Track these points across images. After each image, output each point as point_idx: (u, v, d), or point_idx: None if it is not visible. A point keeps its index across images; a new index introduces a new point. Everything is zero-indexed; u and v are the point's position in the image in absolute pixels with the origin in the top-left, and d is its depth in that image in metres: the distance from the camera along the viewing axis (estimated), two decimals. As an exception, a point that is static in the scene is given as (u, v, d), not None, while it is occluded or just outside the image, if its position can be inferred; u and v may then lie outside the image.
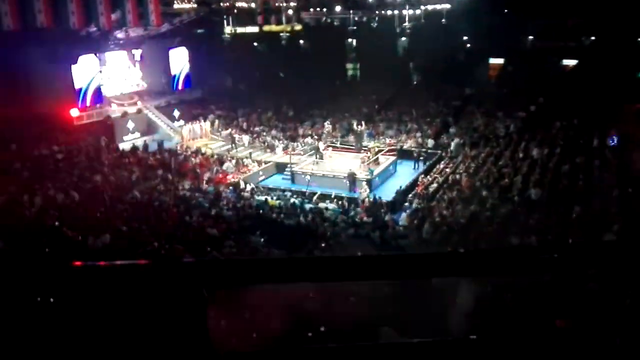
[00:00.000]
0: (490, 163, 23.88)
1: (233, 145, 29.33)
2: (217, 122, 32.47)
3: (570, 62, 39.77)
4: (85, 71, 28.99)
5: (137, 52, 32.42)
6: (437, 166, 25.42)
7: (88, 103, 29.00)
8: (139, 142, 28.46)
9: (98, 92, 29.55)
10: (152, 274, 1.55)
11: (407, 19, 52.29)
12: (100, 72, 29.79)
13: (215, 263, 1.59)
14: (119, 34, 32.10)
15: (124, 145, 28.01)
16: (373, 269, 1.59)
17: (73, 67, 28.32)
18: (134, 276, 1.56)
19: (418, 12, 54.30)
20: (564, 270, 1.59)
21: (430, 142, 28.28)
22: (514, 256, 1.61)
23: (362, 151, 27.12)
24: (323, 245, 16.49)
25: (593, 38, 42.67)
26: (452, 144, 27.35)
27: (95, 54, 29.56)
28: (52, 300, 1.53)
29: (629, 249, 1.58)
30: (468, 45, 46.23)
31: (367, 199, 21.45)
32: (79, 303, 1.56)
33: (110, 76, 30.80)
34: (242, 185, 22.94)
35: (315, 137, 29.81)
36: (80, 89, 28.72)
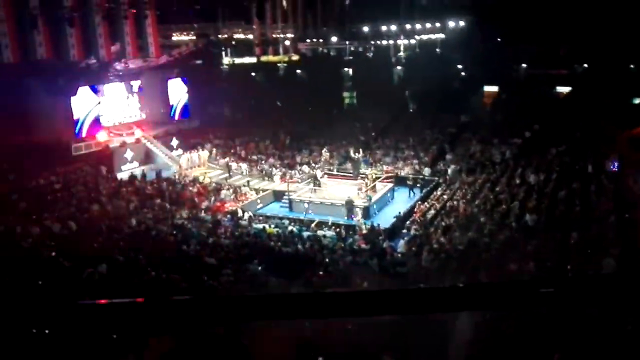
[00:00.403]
0: (487, 189, 23.97)
1: (231, 173, 29.43)
2: (214, 150, 32.65)
3: (564, 89, 40.35)
4: (84, 102, 29.26)
5: (136, 84, 32.74)
6: (434, 193, 25.50)
7: (85, 134, 29.16)
8: (138, 172, 28.53)
9: (97, 123, 29.76)
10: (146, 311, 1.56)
11: (402, 48, 53.19)
12: (99, 103, 30.05)
13: (215, 300, 1.60)
14: (118, 66, 32.54)
15: (123, 175, 28.09)
16: (372, 305, 1.59)
17: (72, 98, 28.58)
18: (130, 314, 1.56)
19: (413, 41, 55.24)
20: (563, 304, 1.59)
21: (427, 170, 28.41)
22: (512, 290, 1.61)
23: (360, 178, 27.23)
24: (321, 273, 16.41)
25: (585, 65, 43.39)
26: (449, 171, 27.49)
27: (94, 86, 29.85)
28: (47, 334, 1.53)
29: (627, 278, 1.59)
30: (462, 73, 46.93)
31: (364, 226, 21.43)
32: (78, 339, 1.57)
33: (108, 107, 31.04)
34: (239, 213, 22.93)
35: (313, 164, 29.96)
36: (78, 120, 28.93)
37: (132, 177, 27.32)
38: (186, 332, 1.59)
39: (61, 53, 31.56)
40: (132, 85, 32.74)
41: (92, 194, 23.86)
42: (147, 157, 30.77)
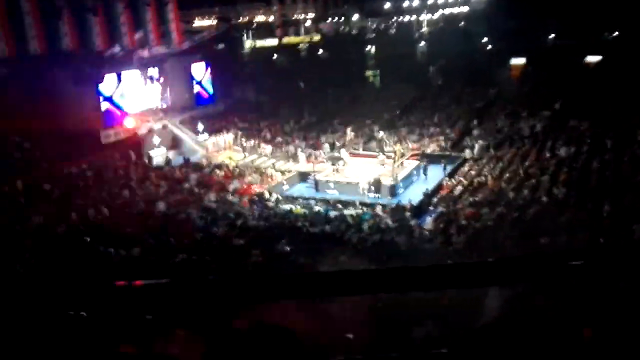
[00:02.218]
0: (516, 164, 23.58)
1: (256, 156, 29.60)
2: (239, 133, 32.83)
3: (594, 59, 39.11)
4: (111, 90, 29.71)
5: (155, 71, 32.97)
6: (462, 169, 25.20)
7: (114, 121, 29.68)
8: (166, 157, 28.99)
9: (124, 110, 30.24)
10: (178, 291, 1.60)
11: (425, 24, 52.20)
12: (125, 90, 30.47)
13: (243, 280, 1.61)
14: (142, 53, 32.85)
15: (152, 161, 28.54)
16: (401, 281, 1.58)
17: (100, 86, 29.05)
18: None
19: (436, 16, 54.15)
20: (593, 277, 1.56)
21: (452, 146, 28.03)
22: (541, 263, 1.58)
23: (386, 157, 27.05)
24: (349, 252, 16.49)
25: (616, 33, 41.93)
26: (476, 146, 27.10)
27: (119, 74, 30.26)
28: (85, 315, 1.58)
29: None
30: (488, 46, 45.90)
31: (391, 204, 21.37)
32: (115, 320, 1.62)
33: (132, 94, 31.45)
34: (266, 195, 23.11)
35: (338, 144, 29.88)
36: (107, 109, 29.43)
37: (164, 163, 27.84)
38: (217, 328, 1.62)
39: (86, 42, 32.02)
40: (151, 72, 33.00)
41: (122, 180, 24.34)
42: (174, 143, 31.16)
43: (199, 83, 35.17)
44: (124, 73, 30.93)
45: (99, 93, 29.03)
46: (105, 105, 29.42)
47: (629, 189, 18.98)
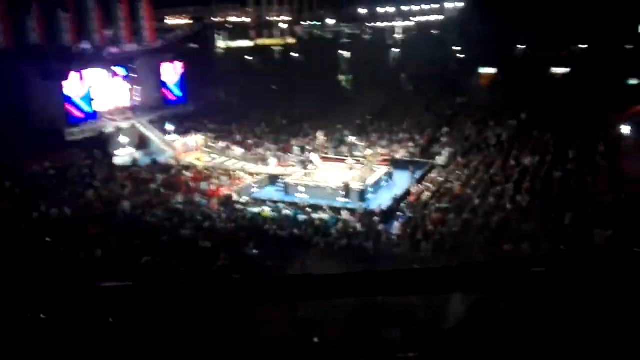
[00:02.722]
0: (482, 171, 23.99)
1: (226, 158, 29.35)
2: (209, 135, 32.52)
3: (561, 71, 40.17)
4: (77, 87, 29.06)
5: (124, 69, 32.42)
6: (429, 175, 25.49)
7: (79, 119, 29.05)
8: (133, 157, 28.47)
9: (90, 108, 29.62)
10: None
11: (399, 30, 52.73)
12: (91, 87, 29.86)
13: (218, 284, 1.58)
14: (112, 50, 32.26)
15: (118, 160, 28.01)
16: (366, 286, 1.59)
17: (64, 83, 28.39)
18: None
19: (410, 24, 54.75)
20: (555, 284, 1.58)
21: (421, 152, 28.36)
22: (504, 270, 1.60)
23: (355, 162, 27.18)
24: (316, 256, 16.47)
25: (584, 46, 43.14)
26: (444, 153, 27.47)
27: (84, 71, 29.64)
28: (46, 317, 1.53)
29: (619, 258, 1.56)
30: (459, 55, 46.65)
31: (360, 209, 21.46)
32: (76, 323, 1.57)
33: (99, 93, 30.84)
34: (235, 197, 22.93)
35: (309, 148, 29.87)
36: (73, 105, 28.78)
37: (128, 163, 27.34)
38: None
39: (55, 38, 31.26)
40: (121, 70, 32.42)
41: (86, 179, 23.82)
42: (141, 142, 30.66)
43: (165, 84, 34.66)
44: (90, 71, 30.23)
45: (62, 94, 28.36)
46: (72, 102, 28.77)
47: (590, 198, 19.52)
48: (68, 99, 28.68)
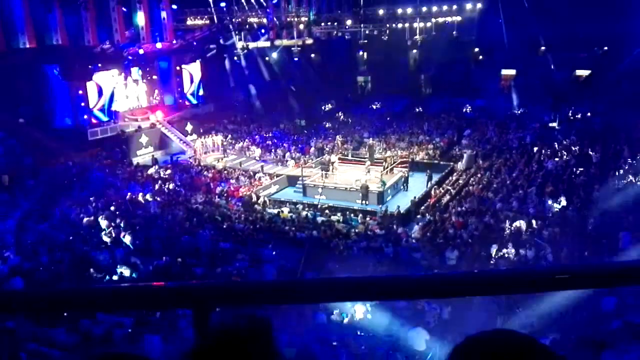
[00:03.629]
0: (503, 174, 23.68)
1: (245, 158, 29.44)
2: (229, 135, 32.65)
3: (584, 72, 39.56)
4: (99, 87, 29.41)
5: (144, 69, 32.75)
6: (450, 178, 25.24)
7: (103, 118, 29.41)
8: (153, 157, 28.71)
9: (111, 108, 29.97)
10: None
11: (417, 31, 52.31)
12: (114, 88, 30.21)
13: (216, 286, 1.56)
14: (133, 51, 32.54)
15: (138, 160, 28.29)
16: (386, 290, 1.55)
17: (87, 83, 28.76)
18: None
19: (429, 24, 54.29)
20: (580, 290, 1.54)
21: (441, 154, 28.11)
22: (528, 276, 1.56)
23: (374, 164, 27.02)
24: (335, 258, 16.39)
25: (605, 48, 42.42)
26: (465, 156, 27.19)
27: (107, 71, 29.98)
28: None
29: None
30: (480, 57, 46.20)
31: (379, 211, 21.32)
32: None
33: (120, 92, 31.18)
34: (254, 198, 22.96)
35: (327, 149, 29.82)
36: (95, 105, 29.16)
37: (149, 162, 27.60)
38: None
39: (76, 38, 31.61)
40: (141, 71, 32.74)
41: (108, 178, 24.04)
42: (162, 142, 30.90)
43: (184, 85, 34.84)
44: (111, 72, 30.46)
45: (85, 94, 28.75)
46: (94, 102, 29.17)
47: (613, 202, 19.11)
48: (90, 99, 29.01)
